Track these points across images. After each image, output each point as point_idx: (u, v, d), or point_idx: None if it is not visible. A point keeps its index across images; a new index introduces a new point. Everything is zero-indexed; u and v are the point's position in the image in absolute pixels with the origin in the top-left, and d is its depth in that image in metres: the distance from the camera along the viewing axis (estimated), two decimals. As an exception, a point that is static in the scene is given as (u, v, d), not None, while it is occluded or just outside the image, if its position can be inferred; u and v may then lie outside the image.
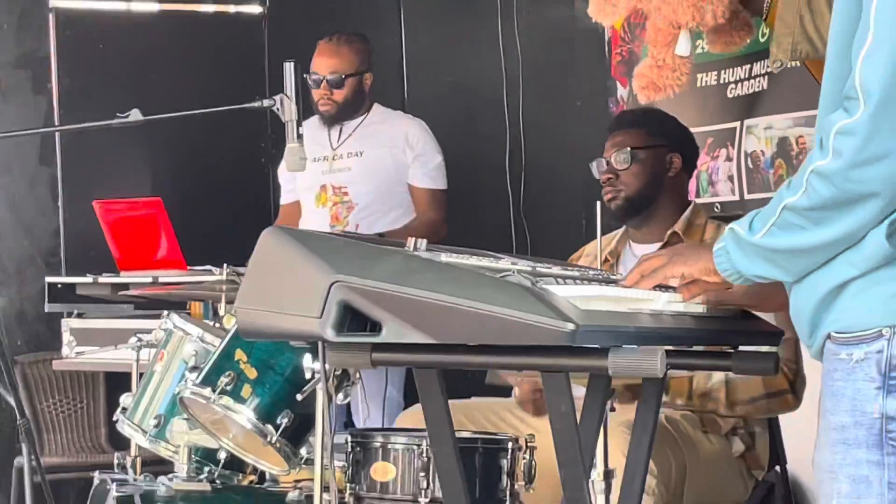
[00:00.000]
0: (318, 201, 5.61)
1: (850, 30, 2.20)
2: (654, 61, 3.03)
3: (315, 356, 3.10)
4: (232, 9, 7.45)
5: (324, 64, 5.62)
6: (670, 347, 2.51)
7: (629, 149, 4.27)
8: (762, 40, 4.01)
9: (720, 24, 2.94)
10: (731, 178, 5.27)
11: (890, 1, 2.12)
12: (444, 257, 2.55)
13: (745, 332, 2.80)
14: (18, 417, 5.10)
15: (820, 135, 2.22)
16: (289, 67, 4.31)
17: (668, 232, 4.24)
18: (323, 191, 5.58)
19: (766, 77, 5.07)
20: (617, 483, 3.36)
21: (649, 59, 3.06)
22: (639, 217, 4.33)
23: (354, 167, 5.57)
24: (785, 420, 4.28)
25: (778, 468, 4.34)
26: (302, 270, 2.52)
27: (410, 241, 2.65)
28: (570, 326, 2.29)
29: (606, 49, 5.95)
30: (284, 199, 5.87)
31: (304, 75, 5.52)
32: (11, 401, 5.23)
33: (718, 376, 4.12)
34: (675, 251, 2.60)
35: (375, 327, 2.43)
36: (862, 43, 2.14)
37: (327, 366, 3.02)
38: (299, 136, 4.37)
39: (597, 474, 3.43)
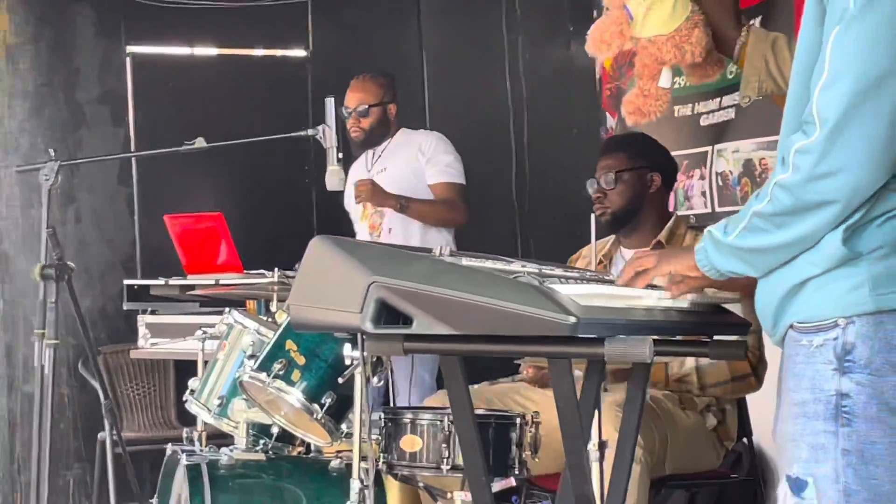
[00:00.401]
0: (361, 216, 5.62)
1: (809, 67, 2.20)
2: (640, 91, 3.00)
3: (355, 345, 3.13)
4: (279, 52, 7.48)
5: (353, 98, 5.60)
6: (657, 337, 2.49)
7: (615, 171, 4.27)
8: (730, 77, 4.01)
9: (691, 61, 2.94)
10: (703, 194, 5.27)
11: (842, 43, 2.11)
12: (465, 261, 2.55)
13: (720, 324, 2.78)
14: (102, 399, 5.14)
15: (782, 153, 2.23)
16: (329, 102, 4.35)
17: (654, 241, 4.23)
18: (365, 208, 5.58)
19: (734, 108, 5.06)
20: (609, 453, 3.34)
21: (636, 89, 3.03)
22: (626, 228, 4.33)
23: (381, 181, 5.50)
24: (751, 399, 4.27)
25: (745, 440, 4.35)
26: (345, 273, 2.53)
27: (436, 248, 2.68)
28: (572, 319, 2.29)
29: (597, 85, 5.95)
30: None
31: (341, 108, 5.54)
32: (96, 385, 5.28)
33: (690, 363, 4.12)
34: (662, 254, 2.59)
35: (407, 321, 2.45)
36: (819, 77, 2.14)
37: (365, 353, 3.08)
38: (339, 160, 4.42)
39: (592, 445, 3.37)
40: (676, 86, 5.23)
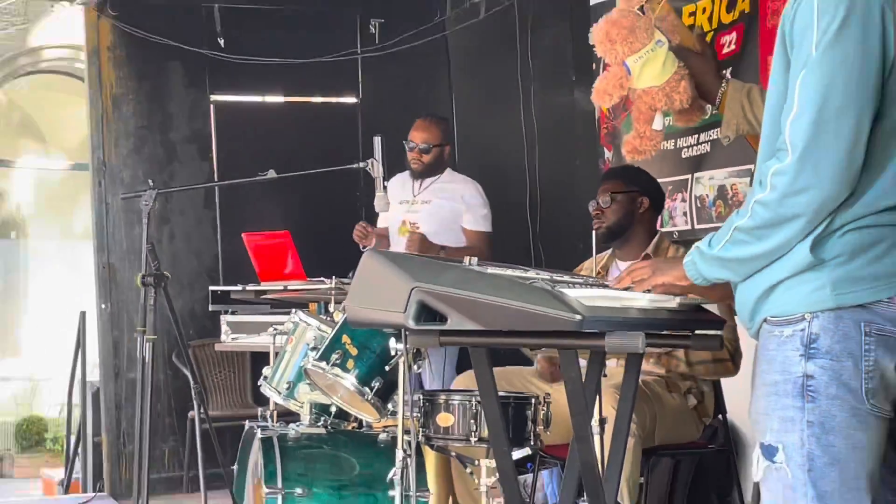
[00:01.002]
0: (399, 232, 5.58)
1: (779, 107, 2.21)
2: (637, 133, 3.00)
3: (399, 339, 3.13)
4: (335, 99, 7.53)
5: (418, 136, 5.57)
6: (648, 331, 2.49)
7: (610, 193, 4.29)
8: (706, 118, 4.00)
9: (679, 108, 2.95)
10: (685, 214, 5.24)
11: (806, 83, 2.13)
12: (490, 269, 2.57)
13: (700, 321, 2.77)
14: (192, 384, 5.16)
15: (760, 177, 2.23)
16: (376, 140, 4.37)
17: (643, 253, 4.22)
18: (403, 224, 5.56)
19: (709, 143, 5.04)
20: (608, 427, 3.36)
21: (634, 131, 3.03)
22: (618, 240, 4.32)
23: (423, 211, 5.53)
24: (725, 383, 4.26)
25: (720, 416, 4.33)
26: (391, 280, 2.54)
27: (466, 259, 2.70)
28: (579, 317, 2.31)
29: (597, 125, 5.93)
30: (378, 224, 5.80)
31: (403, 142, 5.58)
32: (187, 372, 5.30)
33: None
34: (655, 265, 2.58)
35: (442, 319, 2.46)
36: (789, 112, 2.16)
37: (408, 346, 3.08)
38: (384, 188, 4.43)
39: (594, 421, 3.37)
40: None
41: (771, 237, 2.21)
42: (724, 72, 2.97)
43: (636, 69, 2.87)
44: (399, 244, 5.59)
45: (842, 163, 2.13)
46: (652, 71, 2.87)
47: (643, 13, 2.86)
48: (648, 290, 2.55)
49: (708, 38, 4.57)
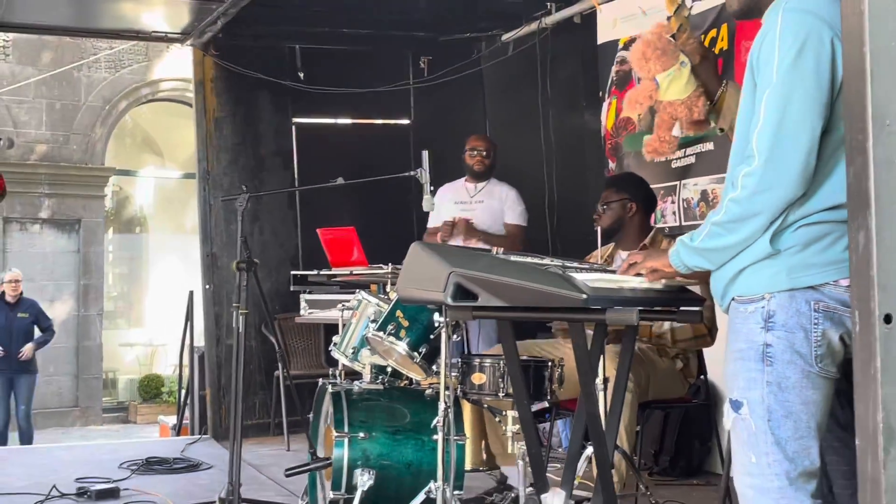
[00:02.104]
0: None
1: (748, 121, 2.20)
2: (658, 137, 2.95)
3: (441, 314, 3.15)
4: (392, 121, 7.55)
5: (481, 144, 5.70)
6: (641, 308, 2.51)
7: (605, 202, 4.25)
8: (691, 136, 3.96)
9: (696, 119, 2.90)
10: (674, 213, 5.22)
11: (769, 101, 2.12)
12: (512, 258, 2.59)
13: (683, 299, 2.77)
14: (277, 349, 5.21)
15: (731, 180, 2.21)
16: (425, 154, 4.34)
17: (640, 244, 4.17)
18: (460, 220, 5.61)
19: (694, 156, 5.02)
20: (610, 385, 3.38)
21: (655, 136, 2.98)
22: (614, 237, 4.28)
23: (479, 209, 5.60)
24: (706, 351, 4.24)
25: (702, 377, 4.32)
26: (433, 266, 2.54)
27: (494, 249, 2.71)
28: (584, 296, 2.32)
29: (602, 141, 5.93)
30: (430, 223, 5.82)
31: (467, 150, 5.68)
32: (273, 340, 5.35)
33: (666, 325, 4.09)
34: (646, 254, 2.56)
35: (474, 297, 2.46)
36: (756, 124, 2.15)
37: (447, 319, 3.10)
38: (431, 192, 4.43)
39: (598, 380, 3.41)
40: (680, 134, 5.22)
41: (740, 230, 2.19)
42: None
43: (664, 84, 2.85)
44: (453, 239, 5.62)
45: (799, 167, 2.12)
46: (677, 87, 2.84)
47: (674, 40, 2.85)
48: (639, 274, 2.54)
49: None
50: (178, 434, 7.57)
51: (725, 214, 2.20)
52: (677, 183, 5.20)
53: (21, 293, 9.05)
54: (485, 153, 5.69)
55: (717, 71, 2.96)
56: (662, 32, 2.85)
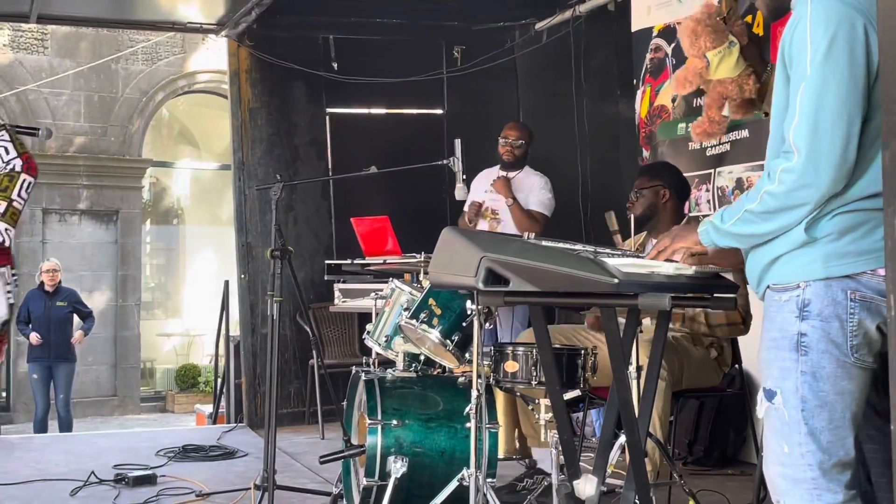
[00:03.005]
0: (482, 215, 5.62)
1: (782, 113, 2.18)
2: (708, 118, 2.92)
3: (472, 300, 3.16)
4: (425, 111, 7.52)
5: (513, 134, 5.63)
6: (674, 294, 2.47)
7: (638, 189, 4.20)
8: (739, 119, 3.89)
9: (746, 98, 2.86)
10: (708, 202, 5.16)
11: (804, 96, 2.10)
12: (545, 243, 2.56)
13: (717, 285, 2.72)
14: (311, 337, 5.22)
15: (768, 170, 2.20)
16: (457, 142, 4.35)
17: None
18: (488, 210, 5.59)
19: (728, 143, 4.97)
20: (643, 374, 3.35)
21: (705, 117, 2.95)
22: (647, 225, 4.23)
23: (503, 198, 5.56)
24: (741, 339, 4.20)
25: (737, 366, 4.28)
26: (465, 250, 2.52)
27: (525, 234, 2.69)
28: (616, 280, 2.29)
29: (636, 129, 5.89)
30: (466, 208, 5.80)
31: (499, 137, 5.65)
32: (308, 328, 5.36)
33: (700, 310, 4.04)
34: (674, 233, 2.52)
35: (506, 282, 2.44)
36: (791, 119, 2.12)
37: (479, 305, 3.09)
38: (463, 180, 4.43)
39: (632, 368, 3.40)
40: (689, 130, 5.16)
41: (775, 220, 2.17)
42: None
43: (714, 62, 2.83)
44: (482, 226, 5.61)
45: (837, 162, 2.09)
46: (727, 65, 2.83)
47: (725, 23, 2.83)
48: (669, 260, 2.50)
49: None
50: (214, 422, 7.64)
51: (761, 205, 2.18)
52: (712, 171, 5.16)
53: (59, 282, 9.15)
54: (514, 142, 5.62)
55: (761, 54, 2.93)
56: (713, 12, 2.83)
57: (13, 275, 3.49)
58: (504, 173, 5.65)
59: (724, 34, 2.82)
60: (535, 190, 5.57)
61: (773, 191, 2.15)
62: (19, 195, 3.58)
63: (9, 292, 3.45)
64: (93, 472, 4.97)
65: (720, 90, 2.90)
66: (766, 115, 2.89)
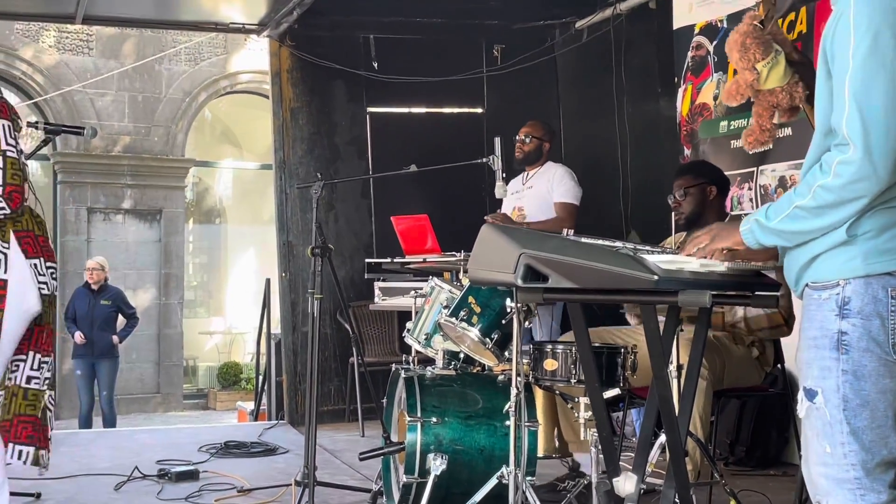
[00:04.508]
0: (513, 214, 5.58)
1: (827, 108, 2.15)
2: (759, 127, 2.91)
3: (512, 298, 3.16)
4: (465, 110, 7.54)
5: (523, 131, 5.54)
6: (714, 292, 2.43)
7: (684, 188, 4.17)
8: (785, 121, 3.86)
9: (796, 104, 2.84)
10: (751, 200, 5.12)
11: (852, 89, 2.07)
12: (584, 240, 2.53)
13: (759, 284, 2.69)
14: (352, 335, 5.25)
15: (820, 163, 2.15)
16: (497, 140, 4.34)
17: None
18: (515, 209, 5.57)
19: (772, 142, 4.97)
20: (683, 373, 3.32)
21: (755, 125, 2.92)
22: (695, 227, 4.11)
23: (527, 195, 5.50)
24: (784, 339, 4.14)
25: (779, 366, 4.25)
26: (504, 247, 2.51)
27: (564, 231, 2.68)
28: (656, 277, 2.27)
29: (678, 128, 5.86)
30: (503, 210, 5.72)
31: (514, 138, 5.54)
32: (348, 327, 5.39)
33: (740, 314, 4.01)
34: (713, 231, 2.47)
35: (545, 279, 2.42)
36: (841, 112, 2.08)
37: (518, 302, 3.08)
38: (503, 179, 4.43)
39: (672, 367, 3.37)
40: (731, 128, 5.12)
41: (830, 215, 2.13)
42: None
43: (764, 73, 2.82)
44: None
45: (893, 155, 2.06)
46: (776, 74, 2.80)
47: (763, 26, 2.81)
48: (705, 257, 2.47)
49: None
50: (255, 419, 7.68)
51: (814, 200, 2.14)
52: (754, 169, 5.12)
53: (105, 280, 9.26)
54: (523, 139, 5.51)
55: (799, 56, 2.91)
56: (756, 21, 2.82)
57: (48, 267, 3.40)
58: (520, 204, 5.53)
59: (770, 44, 2.80)
60: (557, 180, 5.47)
61: (828, 184, 2.11)
62: (7, 143, 3.21)
63: (42, 283, 3.34)
64: (136, 468, 5.03)
65: (770, 99, 2.88)
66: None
